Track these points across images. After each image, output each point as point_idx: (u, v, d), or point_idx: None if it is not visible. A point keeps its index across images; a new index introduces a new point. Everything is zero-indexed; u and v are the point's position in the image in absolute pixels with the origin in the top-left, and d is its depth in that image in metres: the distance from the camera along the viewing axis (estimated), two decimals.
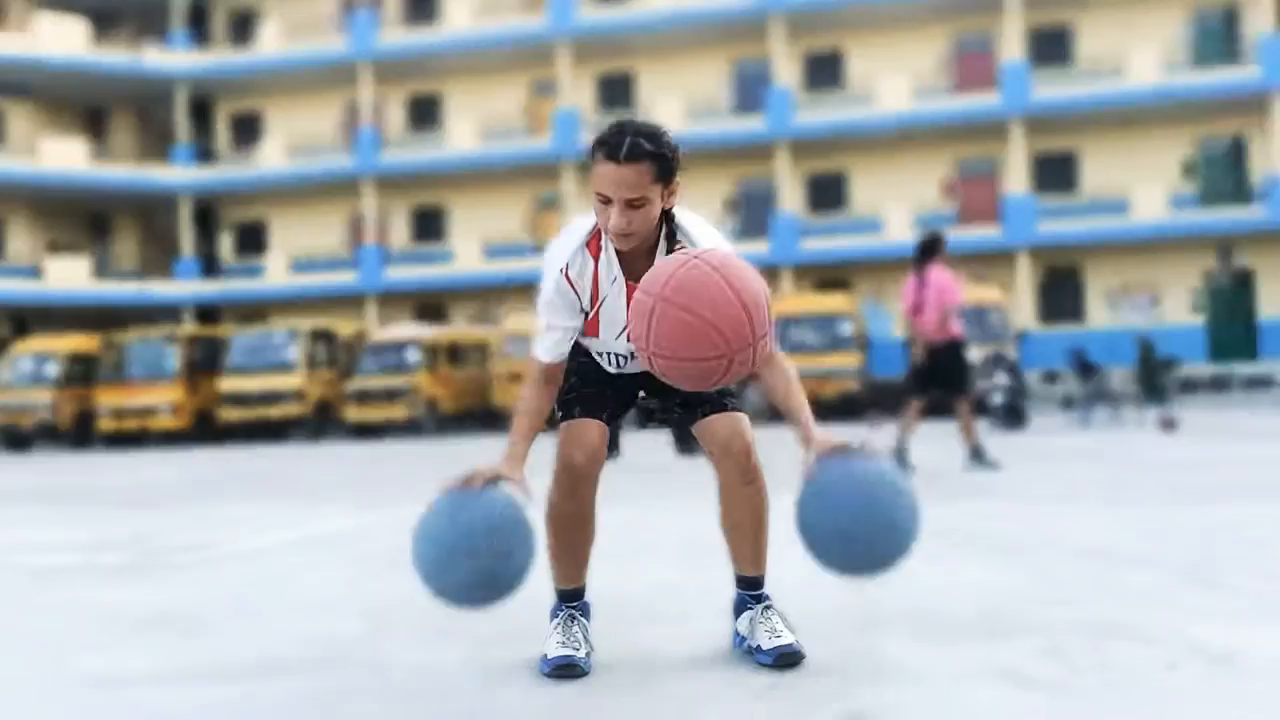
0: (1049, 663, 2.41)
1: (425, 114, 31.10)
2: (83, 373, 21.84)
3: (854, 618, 2.93)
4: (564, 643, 2.49)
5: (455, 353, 22.03)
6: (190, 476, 10.87)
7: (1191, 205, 25.96)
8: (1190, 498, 5.52)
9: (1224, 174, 26.18)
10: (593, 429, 2.50)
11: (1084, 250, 26.47)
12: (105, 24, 32.57)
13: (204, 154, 32.00)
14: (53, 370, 21.66)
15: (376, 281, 29.17)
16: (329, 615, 3.32)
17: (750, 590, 2.57)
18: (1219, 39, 26.59)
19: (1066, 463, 8.20)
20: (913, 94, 26.60)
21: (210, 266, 31.97)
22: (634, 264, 2.37)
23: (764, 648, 2.45)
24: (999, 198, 26.84)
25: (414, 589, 3.23)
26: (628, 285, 2.37)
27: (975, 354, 13.20)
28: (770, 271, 27.54)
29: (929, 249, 7.93)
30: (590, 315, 2.43)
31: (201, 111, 32.49)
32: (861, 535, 2.23)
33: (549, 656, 2.48)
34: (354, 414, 20.26)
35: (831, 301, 22.07)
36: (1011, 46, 26.29)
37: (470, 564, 2.20)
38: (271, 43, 30.19)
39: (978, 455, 7.67)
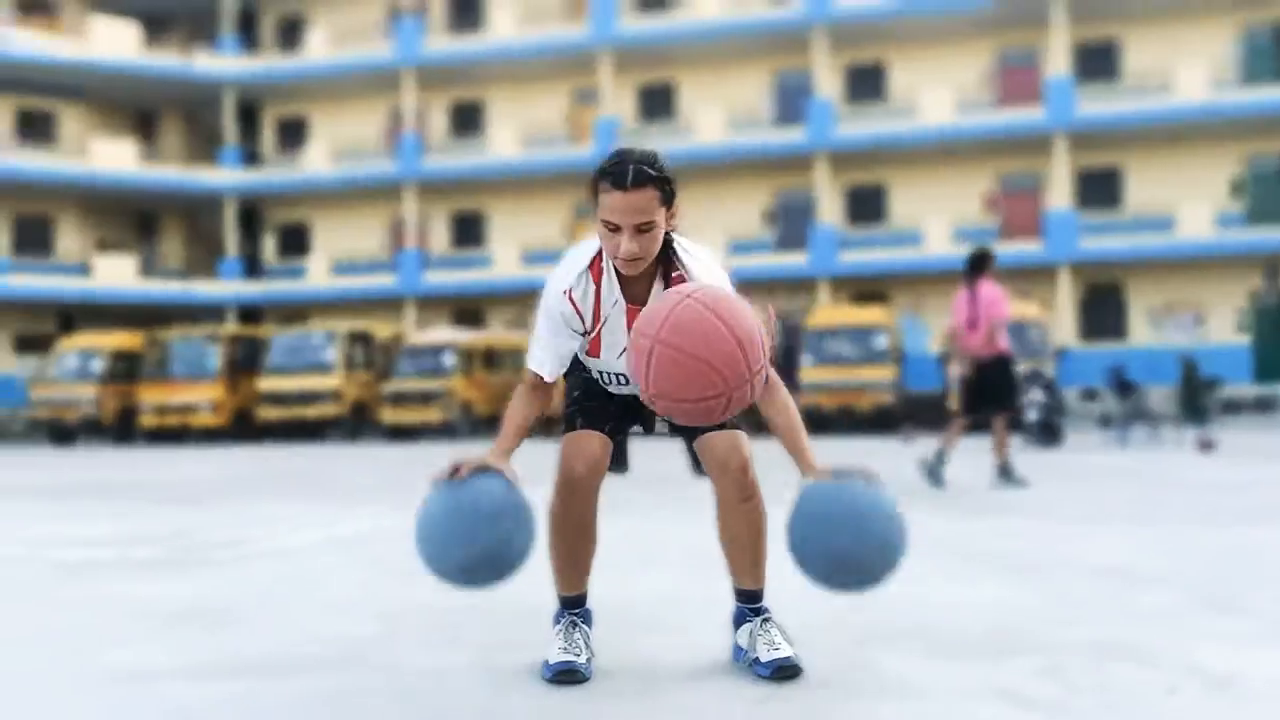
0: (1048, 683, 2.43)
1: (467, 121, 31.37)
2: (127, 369, 22.24)
3: (855, 633, 2.95)
4: (565, 649, 2.54)
5: (490, 357, 22.19)
6: (228, 474, 11.05)
7: (1238, 224, 25.60)
8: (1218, 519, 5.47)
9: (1272, 193, 25.79)
10: (594, 441, 2.55)
11: (1127, 267, 26.18)
12: (156, 28, 33.17)
13: (250, 157, 32.49)
14: (98, 366, 22.07)
15: (416, 285, 29.44)
16: (348, 616, 3.39)
17: (749, 603, 2.61)
18: (1269, 56, 26.22)
19: (1098, 481, 8.14)
20: (955, 107, 26.46)
21: (253, 267, 32.43)
22: (634, 286, 2.43)
23: (762, 660, 2.49)
24: (1041, 213, 26.62)
25: (429, 593, 3.31)
26: (628, 308, 2.44)
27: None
28: (808, 283, 27.49)
29: (979, 263, 7.92)
30: (592, 335, 2.49)
31: (249, 115, 32.99)
32: (852, 561, 2.28)
33: (551, 662, 2.53)
34: (389, 416, 20.46)
35: (868, 314, 21.98)
36: (1057, 61, 26.09)
37: (470, 546, 2.26)
38: (318, 49, 30.60)
39: (1006, 473, 7.64)
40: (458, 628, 3.12)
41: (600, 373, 2.60)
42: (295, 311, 31.44)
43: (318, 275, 30.78)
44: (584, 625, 2.63)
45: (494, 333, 25.50)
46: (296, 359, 21.24)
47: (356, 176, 30.32)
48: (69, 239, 30.93)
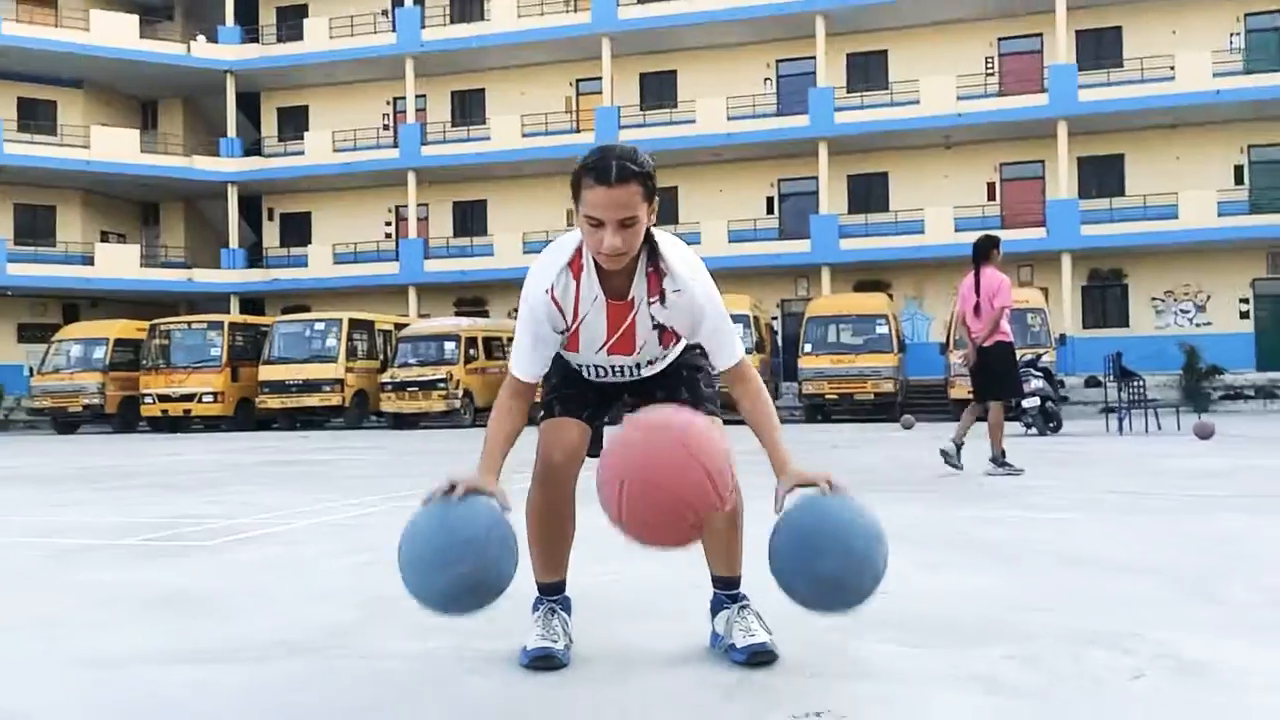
0: (1021, 669, 2.44)
1: (468, 109, 31.35)
2: (129, 358, 22.30)
3: (833, 620, 2.96)
4: (543, 635, 2.56)
5: (492, 345, 22.22)
6: (229, 462, 11.09)
7: (1241, 212, 25.55)
8: (1207, 506, 5.48)
9: (1274, 181, 25.73)
10: (572, 428, 2.57)
11: (1129, 255, 26.15)
12: (156, 17, 33.16)
13: (251, 146, 32.49)
14: (100, 355, 22.13)
15: (417, 274, 29.46)
16: (331, 602, 3.41)
17: (726, 590, 2.63)
18: (1271, 45, 26.13)
19: (1092, 468, 8.15)
20: (957, 95, 26.41)
21: (256, 256, 32.46)
22: (613, 281, 2.43)
23: (738, 646, 2.51)
24: (1043, 201, 26.58)
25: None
26: (608, 303, 2.44)
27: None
28: (810, 271, 27.48)
29: (985, 249, 7.91)
30: (570, 330, 2.49)
31: (250, 104, 32.99)
32: (840, 584, 2.28)
33: (528, 648, 2.55)
34: (391, 404, 20.50)
35: (870, 302, 21.98)
36: (1059, 49, 26.01)
37: (452, 574, 2.24)
38: (319, 38, 30.58)
39: (999, 460, 7.66)
40: (440, 615, 3.13)
41: (579, 365, 2.62)
42: (297, 300, 31.49)
43: (319, 264, 30.81)
44: (562, 612, 2.65)
45: (496, 321, 25.53)
46: (298, 348, 21.29)
47: (358, 165, 30.32)
48: (71, 228, 30.98)
